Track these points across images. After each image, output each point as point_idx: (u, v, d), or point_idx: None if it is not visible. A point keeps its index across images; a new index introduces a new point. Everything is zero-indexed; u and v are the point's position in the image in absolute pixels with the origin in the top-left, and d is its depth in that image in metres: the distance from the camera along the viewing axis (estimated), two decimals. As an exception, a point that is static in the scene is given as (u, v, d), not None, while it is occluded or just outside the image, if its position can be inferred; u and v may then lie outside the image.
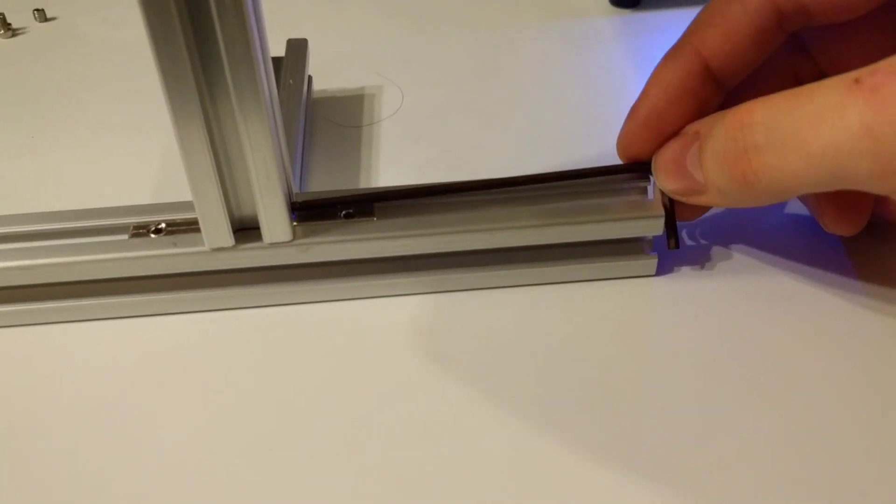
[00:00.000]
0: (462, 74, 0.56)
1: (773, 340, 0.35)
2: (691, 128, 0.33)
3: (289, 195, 0.36)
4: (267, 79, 0.32)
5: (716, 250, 0.40)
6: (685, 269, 0.39)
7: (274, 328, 0.37)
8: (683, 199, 0.34)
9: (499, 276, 0.38)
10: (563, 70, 0.56)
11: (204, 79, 0.31)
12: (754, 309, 0.37)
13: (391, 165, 0.47)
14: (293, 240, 0.36)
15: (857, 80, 0.25)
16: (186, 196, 0.35)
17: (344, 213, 0.37)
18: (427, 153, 0.48)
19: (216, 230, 0.35)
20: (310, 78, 0.52)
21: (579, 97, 0.53)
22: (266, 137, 0.32)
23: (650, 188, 0.38)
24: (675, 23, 0.60)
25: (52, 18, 0.64)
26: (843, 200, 0.35)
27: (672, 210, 0.36)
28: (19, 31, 0.63)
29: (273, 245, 0.36)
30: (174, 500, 0.30)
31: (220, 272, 0.37)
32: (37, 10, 0.64)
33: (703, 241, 0.40)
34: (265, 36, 0.32)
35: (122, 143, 0.50)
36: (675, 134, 0.34)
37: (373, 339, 0.36)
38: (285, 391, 0.34)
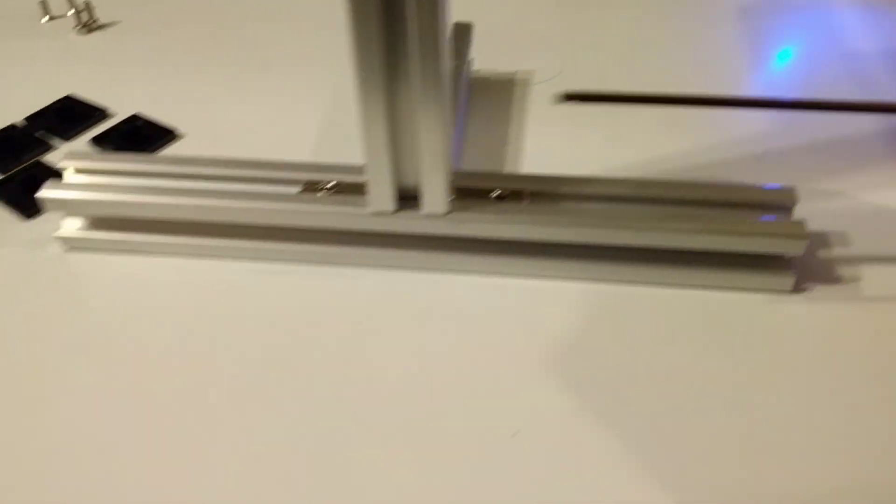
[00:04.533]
0: (615, 45, 0.59)
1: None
2: None
3: (450, 172, 0.39)
4: (447, 68, 0.35)
5: (866, 268, 0.40)
6: (822, 289, 0.40)
7: (412, 289, 0.40)
8: None
9: (635, 273, 0.40)
10: (698, 45, 0.58)
11: (392, 65, 0.34)
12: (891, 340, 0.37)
13: (546, 131, 0.51)
14: (448, 213, 0.39)
15: None
16: (340, 157, 0.39)
17: (496, 193, 0.40)
18: (585, 121, 0.51)
19: (381, 195, 0.38)
20: (470, 60, 0.54)
21: (722, 71, 0.55)
22: (441, 122, 0.35)
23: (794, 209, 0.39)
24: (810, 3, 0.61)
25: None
26: None
27: None
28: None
29: (429, 216, 0.39)
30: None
31: (377, 234, 0.40)
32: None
33: (852, 259, 0.41)
34: (447, 25, 0.34)
35: (290, 100, 0.54)
36: None
37: (502, 314, 0.39)
38: (414, 348, 0.37)
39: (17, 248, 0.44)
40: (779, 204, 0.39)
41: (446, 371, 0.36)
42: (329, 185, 0.41)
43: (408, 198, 0.39)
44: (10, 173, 0.49)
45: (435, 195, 0.38)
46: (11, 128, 0.52)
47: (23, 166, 0.49)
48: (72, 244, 0.43)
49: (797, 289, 0.40)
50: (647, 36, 0.60)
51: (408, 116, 0.36)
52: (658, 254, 0.40)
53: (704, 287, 0.40)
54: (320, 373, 0.36)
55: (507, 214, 0.39)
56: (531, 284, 0.40)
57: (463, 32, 0.53)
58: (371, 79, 0.34)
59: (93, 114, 0.53)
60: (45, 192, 0.41)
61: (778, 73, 0.56)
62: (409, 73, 0.34)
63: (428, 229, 0.39)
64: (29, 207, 0.46)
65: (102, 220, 0.43)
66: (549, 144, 0.50)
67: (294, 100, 0.54)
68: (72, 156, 0.44)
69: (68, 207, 0.42)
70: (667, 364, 0.36)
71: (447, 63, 0.34)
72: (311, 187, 0.41)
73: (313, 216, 0.40)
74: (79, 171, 0.43)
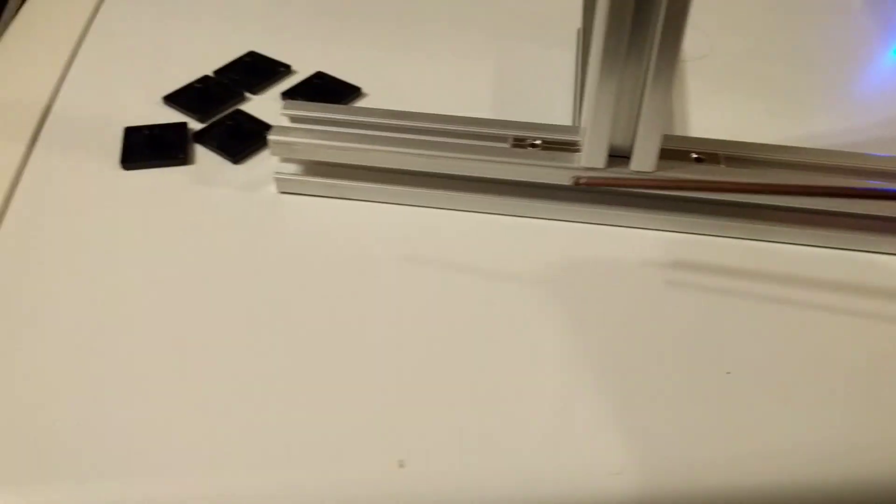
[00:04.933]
0: (757, 26, 0.62)
1: None
2: None
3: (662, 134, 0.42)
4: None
5: None
6: None
7: (607, 243, 0.44)
8: None
9: (822, 236, 0.44)
10: (817, 30, 0.62)
11: (636, 35, 0.37)
12: None
13: (706, 104, 0.54)
14: (655, 171, 0.42)
15: None
16: (518, 114, 0.45)
17: (695, 156, 0.43)
18: (741, 97, 0.55)
19: (595, 153, 0.42)
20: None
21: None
22: (669, 88, 0.38)
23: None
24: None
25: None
26: None
27: None
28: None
29: (636, 172, 0.42)
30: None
31: (580, 190, 0.44)
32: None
33: None
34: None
35: (437, 66, 0.58)
36: None
37: (695, 267, 0.43)
38: (621, 298, 0.41)
39: (233, 189, 0.47)
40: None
41: (653, 317, 0.40)
42: (536, 142, 0.44)
43: (615, 156, 0.42)
44: (214, 120, 0.52)
45: (646, 154, 0.41)
46: (206, 78, 0.56)
47: (224, 114, 0.52)
48: (287, 187, 0.46)
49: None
50: (785, 19, 0.63)
51: (638, 82, 0.39)
52: (838, 217, 0.43)
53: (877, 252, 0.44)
54: (527, 321, 0.40)
55: (711, 175, 0.42)
56: (724, 243, 0.44)
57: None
58: (616, 47, 0.37)
59: (277, 69, 0.56)
60: (274, 136, 0.45)
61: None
62: (651, 44, 0.37)
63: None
64: (236, 153, 0.49)
65: (314, 166, 0.47)
66: (711, 116, 0.53)
67: (466, 62, 0.58)
68: (289, 105, 0.47)
69: (294, 152, 0.45)
70: (853, 321, 0.40)
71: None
72: (519, 143, 0.44)
73: (527, 170, 0.43)
74: (295, 119, 0.46)
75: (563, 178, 0.43)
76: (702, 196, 0.43)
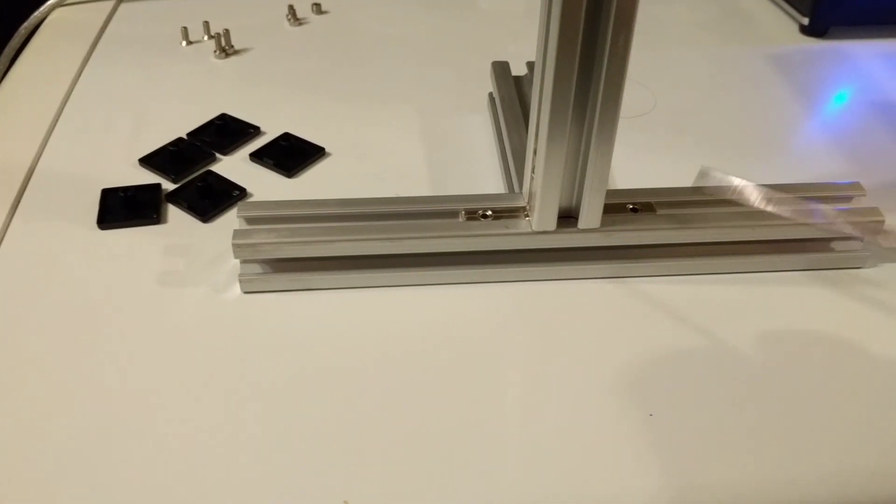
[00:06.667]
0: (704, 81, 0.68)
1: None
2: None
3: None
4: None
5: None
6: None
7: (558, 297, 0.47)
8: None
9: (751, 263, 0.48)
10: (752, 87, 0.68)
11: (578, 108, 0.41)
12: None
13: (648, 158, 0.59)
14: (600, 227, 0.46)
15: None
16: (456, 182, 0.50)
17: (631, 207, 0.48)
18: (680, 151, 0.60)
19: (546, 217, 0.45)
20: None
21: (771, 113, 0.64)
22: (609, 152, 0.43)
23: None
24: (862, 54, 0.72)
25: (326, 12, 0.77)
26: None
27: None
28: (303, 22, 0.75)
29: (585, 230, 0.46)
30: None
31: (532, 251, 0.47)
32: (315, 3, 0.77)
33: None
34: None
35: (385, 129, 0.61)
36: None
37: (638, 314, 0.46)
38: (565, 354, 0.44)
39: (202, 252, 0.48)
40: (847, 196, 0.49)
41: (607, 362, 0.44)
42: (488, 213, 0.47)
43: (563, 217, 0.46)
44: (185, 181, 0.55)
45: (592, 213, 0.45)
46: (179, 140, 0.59)
47: (195, 175, 0.56)
48: (251, 286, 0.47)
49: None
50: (725, 76, 0.69)
51: (581, 149, 0.43)
52: (763, 245, 0.48)
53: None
54: (507, 381, 0.43)
55: (650, 223, 0.47)
56: (665, 285, 0.48)
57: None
58: (561, 119, 0.41)
59: (247, 131, 0.60)
60: (238, 241, 0.46)
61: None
62: (593, 110, 0.41)
63: (584, 242, 0.46)
64: (205, 213, 0.53)
65: (276, 262, 0.48)
66: (652, 169, 0.58)
67: (416, 125, 0.61)
68: (243, 208, 0.48)
69: (258, 253, 0.46)
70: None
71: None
72: (472, 216, 0.47)
73: (486, 240, 0.46)
74: (250, 220, 0.47)
75: (518, 243, 0.46)
76: (644, 244, 0.47)
